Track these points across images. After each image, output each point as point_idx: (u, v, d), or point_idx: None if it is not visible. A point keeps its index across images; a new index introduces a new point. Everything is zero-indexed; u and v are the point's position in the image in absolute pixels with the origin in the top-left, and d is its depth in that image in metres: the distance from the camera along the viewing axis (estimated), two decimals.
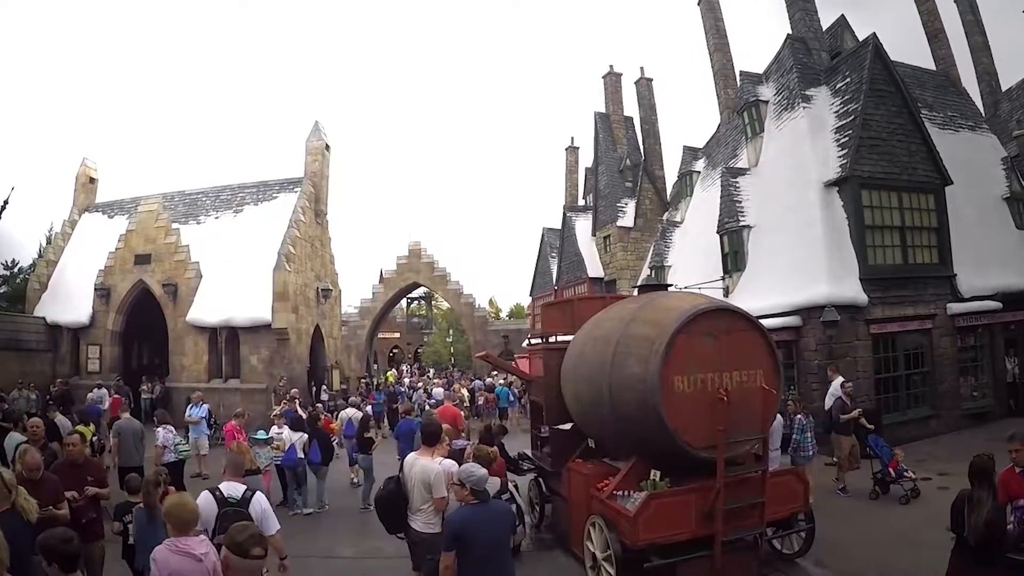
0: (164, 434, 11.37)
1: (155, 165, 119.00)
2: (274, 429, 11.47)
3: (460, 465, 5.85)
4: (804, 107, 17.61)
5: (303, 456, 11.11)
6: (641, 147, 30.41)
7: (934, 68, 21.76)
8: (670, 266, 23.21)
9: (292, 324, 21.07)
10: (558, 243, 33.92)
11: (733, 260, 18.14)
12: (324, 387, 23.40)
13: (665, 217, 26.11)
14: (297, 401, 16.25)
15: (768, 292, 16.02)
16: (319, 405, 19.58)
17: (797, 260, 15.73)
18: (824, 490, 10.64)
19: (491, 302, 41.31)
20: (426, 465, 5.90)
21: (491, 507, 4.99)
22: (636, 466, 7.04)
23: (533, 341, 34.72)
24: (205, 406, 15.14)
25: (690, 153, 25.91)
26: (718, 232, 18.70)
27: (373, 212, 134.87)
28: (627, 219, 28.14)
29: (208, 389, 20.30)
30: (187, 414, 14.88)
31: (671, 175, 30.03)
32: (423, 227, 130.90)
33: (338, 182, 68.49)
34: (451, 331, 50.17)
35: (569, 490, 8.07)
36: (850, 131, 16.00)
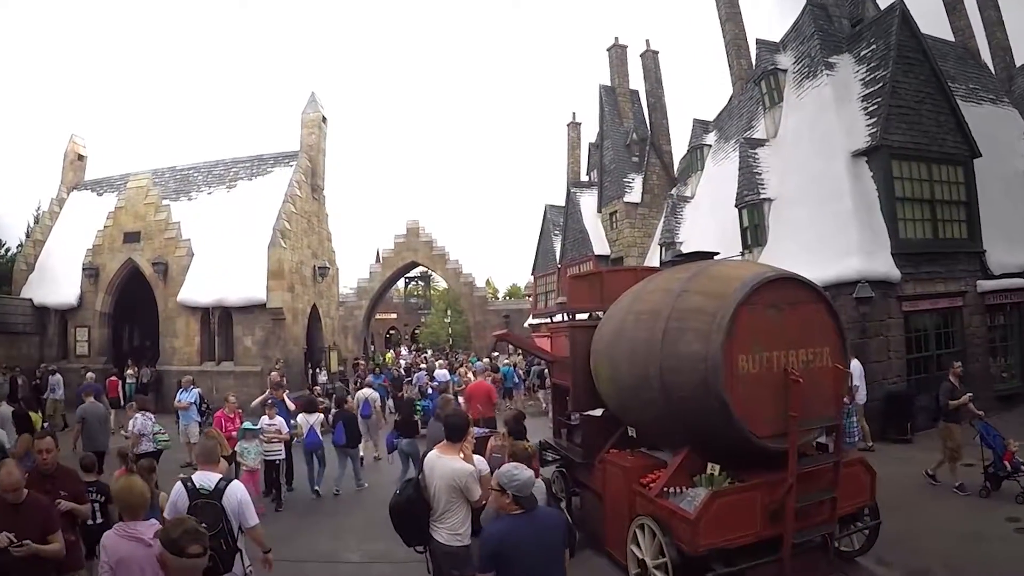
0: (142, 421, 10.48)
1: (147, 141, 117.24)
2: (264, 420, 10.44)
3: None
4: (828, 74, 16.75)
5: (320, 438, 11.07)
6: (647, 121, 29.33)
7: (952, 40, 21.05)
8: (681, 242, 22.37)
9: (288, 303, 20.06)
10: (561, 220, 32.90)
11: (753, 234, 17.28)
12: (320, 369, 22.40)
13: (674, 192, 25.13)
14: (284, 391, 15.62)
15: (792, 267, 14.94)
16: (316, 388, 18.79)
17: (824, 233, 14.84)
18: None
19: (488, 283, 40.38)
20: (453, 465, 4.93)
21: (539, 517, 4.02)
22: (688, 458, 6.10)
23: (534, 321, 34.27)
24: (195, 391, 14.22)
25: (700, 126, 25.04)
26: (737, 206, 17.84)
27: (370, 191, 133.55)
28: (634, 195, 27.14)
29: (200, 372, 19.37)
30: (176, 399, 14.10)
31: (678, 150, 29.23)
32: (421, 206, 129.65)
33: (335, 158, 67.45)
34: (449, 311, 49.27)
35: (604, 485, 7.10)
36: (879, 99, 15.16)
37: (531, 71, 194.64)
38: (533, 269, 35.48)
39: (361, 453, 12.38)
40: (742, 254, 17.37)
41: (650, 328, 6.15)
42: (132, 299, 22.59)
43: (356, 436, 11.49)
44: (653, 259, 25.20)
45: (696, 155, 24.54)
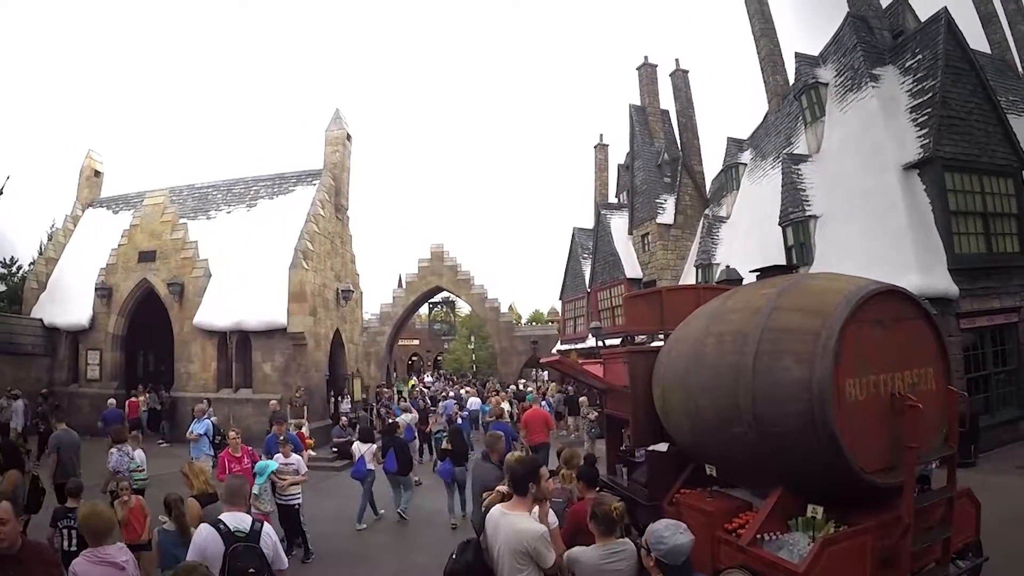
0: (117, 457, 9.65)
1: (167, 159, 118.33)
2: (279, 459, 9.44)
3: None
4: (873, 86, 16.33)
5: (372, 468, 11.10)
6: (678, 141, 28.77)
7: (989, 52, 20.82)
8: (718, 264, 21.84)
9: (309, 328, 19.42)
10: (590, 243, 32.31)
11: (799, 253, 16.75)
12: (343, 397, 21.69)
13: (710, 212, 24.51)
14: (284, 424, 15.36)
15: None
16: (344, 419, 18.10)
17: (878, 250, 14.19)
18: None
19: (511, 308, 39.73)
20: (519, 526, 4.18)
21: None
22: (782, 500, 5.32)
23: (563, 347, 33.56)
24: (207, 421, 13.45)
25: (735, 145, 24.52)
26: (781, 224, 17.31)
27: (393, 213, 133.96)
28: (667, 216, 26.46)
29: (217, 399, 18.78)
30: (189, 430, 13.36)
31: (709, 170, 28.73)
32: (445, 230, 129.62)
33: (358, 179, 67.25)
34: (472, 337, 48.67)
35: None
36: (929, 109, 14.75)
37: (558, 92, 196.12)
38: (561, 294, 34.78)
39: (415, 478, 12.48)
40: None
41: (736, 352, 5.43)
42: (147, 321, 21.94)
43: (408, 463, 11.38)
44: (687, 282, 24.57)
45: (731, 174, 24.13)
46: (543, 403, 20.41)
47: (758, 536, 5.17)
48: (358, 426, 14.89)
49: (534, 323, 54.85)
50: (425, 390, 31.69)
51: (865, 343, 5.08)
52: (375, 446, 11.54)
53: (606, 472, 8.62)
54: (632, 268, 27.35)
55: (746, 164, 23.64)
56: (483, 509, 5.11)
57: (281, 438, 9.97)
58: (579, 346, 30.80)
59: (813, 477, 5.13)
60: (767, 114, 23.30)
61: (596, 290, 29.70)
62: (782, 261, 16.90)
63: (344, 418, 18.43)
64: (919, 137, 14.64)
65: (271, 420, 14.90)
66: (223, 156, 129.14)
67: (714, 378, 5.69)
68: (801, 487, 5.29)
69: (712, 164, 28.82)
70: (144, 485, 9.65)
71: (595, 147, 37.18)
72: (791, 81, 22.15)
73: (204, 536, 4.41)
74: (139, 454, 10.05)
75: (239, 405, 18.98)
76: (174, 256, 20.78)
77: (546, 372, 36.68)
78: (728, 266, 12.32)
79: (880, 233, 14.33)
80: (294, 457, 9.42)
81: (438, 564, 8.45)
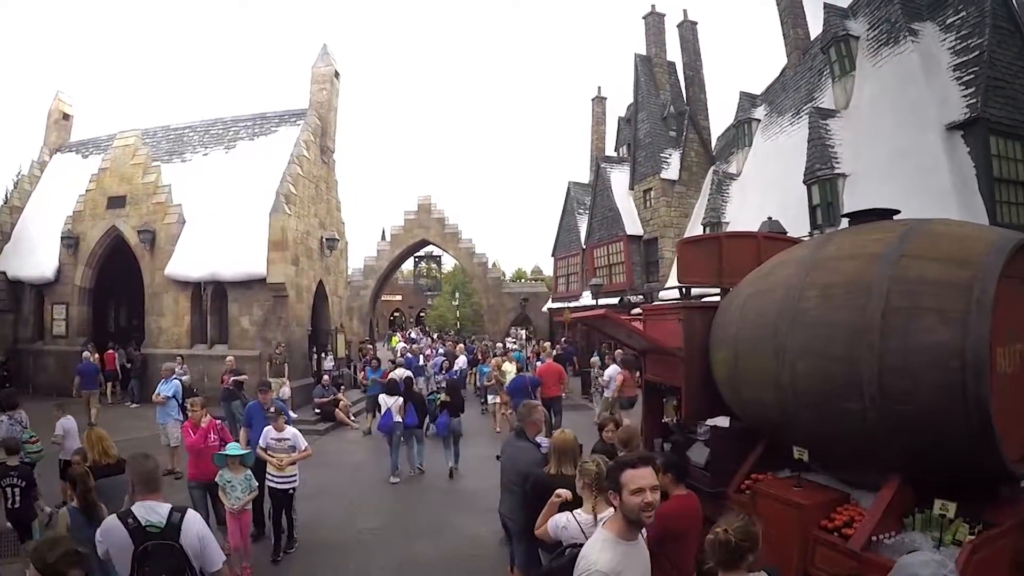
0: (7, 426, 8.52)
1: (142, 100, 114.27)
2: (269, 434, 7.81)
3: None
4: (912, 41, 15.58)
5: (400, 420, 11.17)
6: (684, 95, 27.63)
7: None
8: (728, 222, 21.11)
9: (291, 278, 18.20)
10: (586, 199, 31.36)
11: (825, 213, 15.92)
12: (326, 354, 20.62)
13: (719, 169, 23.51)
14: (285, 383, 15.44)
15: None
16: (326, 377, 17.10)
17: (916, 212, 12.98)
18: None
19: (494, 266, 38.76)
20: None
21: None
22: (900, 492, 4.41)
23: (554, 305, 32.65)
24: (175, 381, 12.34)
25: (747, 99, 23.66)
26: (806, 182, 16.49)
27: (379, 164, 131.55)
28: (671, 171, 25.50)
29: (191, 356, 17.66)
30: (155, 391, 12.22)
31: (716, 127, 27.77)
32: (433, 182, 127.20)
33: (344, 125, 65.26)
34: (457, 294, 47.70)
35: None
36: (975, 68, 14.13)
37: (556, 40, 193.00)
38: (554, 250, 33.90)
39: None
40: (811, 235, 15.76)
41: (856, 308, 4.46)
42: (118, 273, 20.63)
43: (425, 415, 12.14)
44: None
45: (743, 130, 23.33)
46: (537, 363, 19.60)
47: (872, 538, 4.27)
48: (341, 385, 15.25)
49: (520, 280, 53.92)
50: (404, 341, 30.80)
51: (1014, 304, 4.15)
52: (400, 399, 11.42)
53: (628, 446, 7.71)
54: (632, 225, 26.48)
55: (759, 120, 22.75)
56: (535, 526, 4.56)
57: (271, 410, 8.55)
58: (572, 304, 30.00)
59: (946, 465, 4.23)
60: (785, 68, 22.40)
61: (592, 247, 28.85)
62: (804, 221, 16.13)
63: (327, 376, 17.37)
64: (964, 97, 14.01)
65: (230, 381, 14.00)
66: (204, 97, 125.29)
67: (818, 340, 4.73)
68: (924, 477, 4.38)
69: (718, 120, 27.92)
70: (38, 458, 8.46)
71: (593, 100, 35.88)
72: (812, 35, 21.39)
73: (107, 531, 3.64)
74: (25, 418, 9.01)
75: (214, 362, 17.65)
76: (146, 201, 19.40)
77: (523, 331, 35.91)
78: (771, 217, 11.48)
79: (920, 194, 13.42)
80: (289, 431, 7.88)
81: (440, 555, 7.71)
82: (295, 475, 7.84)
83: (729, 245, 7.38)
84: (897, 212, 5.82)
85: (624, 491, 2.86)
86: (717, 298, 7.04)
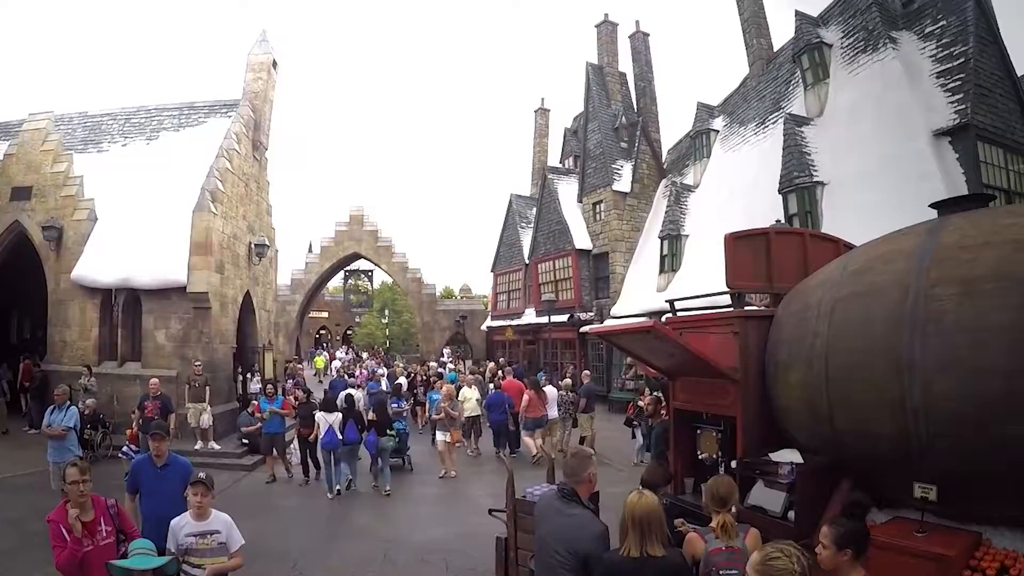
0: None
1: (61, 86, 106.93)
2: (185, 528, 4.79)
3: None
4: (893, 48, 15.33)
5: (341, 437, 11.18)
6: (635, 106, 26.92)
7: None
8: (687, 235, 20.30)
9: (215, 288, 16.16)
10: (529, 212, 30.35)
11: (803, 222, 15.30)
12: (252, 375, 18.49)
13: (677, 180, 22.78)
14: (206, 410, 14.18)
15: None
16: (254, 402, 14.96)
17: (906, 221, 12.54)
18: None
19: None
20: None
21: None
22: None
23: (494, 323, 31.27)
24: (73, 410, 10.43)
25: (705, 110, 23.12)
26: (782, 190, 15.95)
27: (309, 174, 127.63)
28: (623, 183, 24.69)
29: (98, 374, 15.39)
30: (45, 421, 10.16)
31: (667, 139, 27.07)
32: (367, 195, 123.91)
33: (278, 124, 62.33)
34: (387, 311, 45.74)
35: None
36: (961, 75, 13.94)
37: (495, 52, 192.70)
38: (493, 265, 32.58)
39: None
40: None
41: (1018, 307, 3.59)
42: (21, 276, 18.07)
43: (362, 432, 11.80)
44: (644, 255, 23.31)
45: (700, 141, 22.73)
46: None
47: None
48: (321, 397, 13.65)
49: (447, 299, 52.44)
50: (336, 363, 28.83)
51: None
52: (339, 416, 11.37)
53: (671, 489, 6.39)
54: (581, 238, 25.42)
55: (718, 131, 22.20)
56: None
57: (188, 495, 4.90)
58: (515, 322, 28.72)
59: None
60: (746, 78, 22.03)
61: (537, 261, 27.72)
62: None
63: (255, 401, 15.33)
64: (951, 103, 13.74)
65: (156, 410, 12.03)
66: (130, 83, 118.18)
67: (964, 350, 3.77)
68: None
69: (668, 132, 27.27)
70: None
71: (536, 111, 35.15)
72: (775, 45, 20.97)
73: None
74: None
75: (125, 383, 15.53)
76: (54, 194, 17.02)
77: (447, 349, 34.52)
78: (779, 220, 10.57)
79: (910, 202, 12.65)
80: (217, 519, 4.85)
81: None
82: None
83: (778, 243, 6.39)
84: (993, 198, 4.87)
85: None
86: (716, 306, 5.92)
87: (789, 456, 5.31)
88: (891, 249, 4.74)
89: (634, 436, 13.64)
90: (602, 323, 23.00)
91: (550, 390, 15.16)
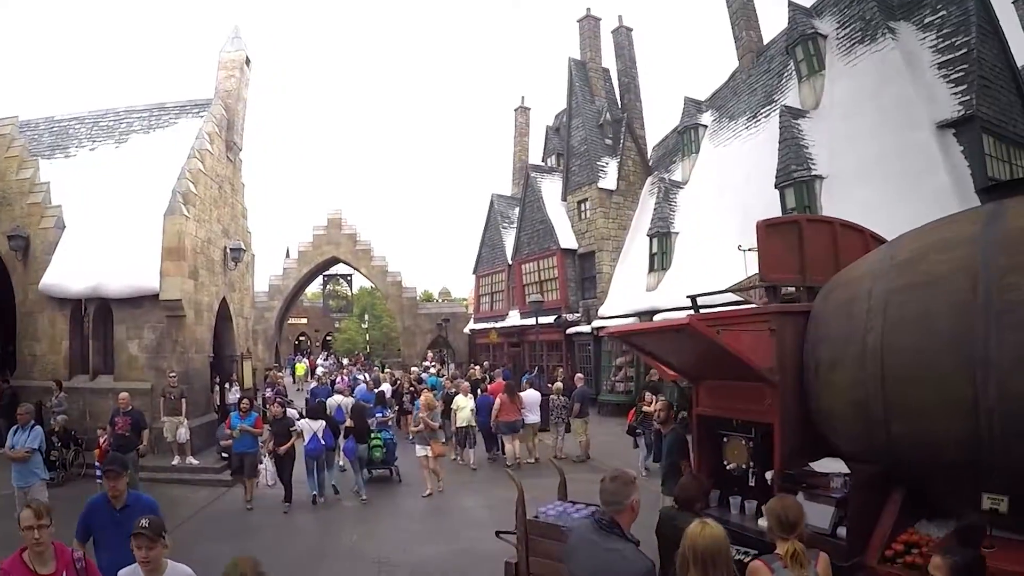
0: None
1: (28, 91, 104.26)
2: None
3: None
4: (892, 39, 15.07)
5: (323, 444, 11.38)
6: (619, 102, 26.47)
7: None
8: (677, 232, 19.96)
9: (189, 295, 15.41)
10: (511, 212, 29.90)
11: None
12: (231, 384, 17.68)
13: (666, 176, 22.37)
14: (182, 423, 13.62)
15: None
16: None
17: (912, 214, 12.21)
18: None
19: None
20: None
21: None
22: None
23: (476, 326, 30.68)
24: (38, 430, 9.60)
25: (692, 105, 22.76)
26: (779, 185, 15.56)
27: (286, 178, 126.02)
28: (608, 180, 24.18)
29: (69, 389, 14.67)
30: (8, 443, 9.33)
31: (651, 136, 26.75)
32: (345, 199, 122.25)
33: (252, 125, 61.11)
34: (366, 316, 44.92)
35: None
36: (964, 66, 13.69)
37: (475, 50, 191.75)
38: (475, 267, 31.98)
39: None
40: None
41: None
42: None
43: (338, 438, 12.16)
44: (631, 253, 22.96)
45: (688, 136, 22.40)
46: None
47: None
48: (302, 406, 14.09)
49: (427, 302, 51.87)
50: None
51: None
52: (323, 423, 11.54)
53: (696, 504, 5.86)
54: (566, 238, 24.84)
55: (706, 126, 21.85)
56: None
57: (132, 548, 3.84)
58: (499, 324, 28.14)
59: None
60: (735, 72, 21.78)
61: (521, 262, 27.11)
62: None
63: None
64: (955, 94, 13.50)
65: (126, 427, 11.39)
66: (101, 87, 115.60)
67: None
68: None
69: (653, 129, 26.85)
70: None
71: (516, 110, 34.66)
72: (765, 38, 20.69)
73: None
74: None
75: (98, 397, 14.73)
76: (19, 202, 16.19)
77: (429, 353, 33.92)
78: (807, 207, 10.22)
79: (914, 196, 12.57)
80: (173, 573, 3.96)
81: None
82: None
83: (810, 231, 6.08)
84: None
85: None
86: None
87: (830, 465, 4.88)
88: (945, 237, 4.35)
89: (636, 445, 13.10)
90: (589, 324, 22.56)
91: (531, 394, 14.84)
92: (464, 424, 14.17)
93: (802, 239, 5.70)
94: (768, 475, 5.22)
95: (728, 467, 5.73)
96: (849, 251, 5.83)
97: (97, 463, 10.77)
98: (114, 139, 18.23)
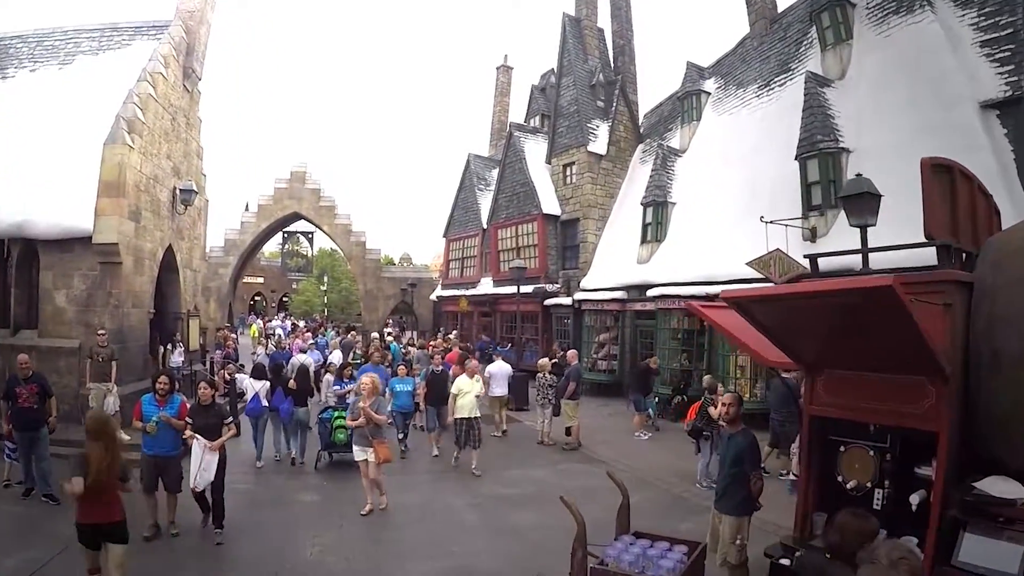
0: None
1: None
2: None
3: None
4: (931, 11, 14.15)
5: (267, 405, 11.27)
6: (612, 65, 25.00)
7: None
8: (674, 202, 18.90)
9: (127, 238, 13.48)
10: (488, 173, 28.60)
11: (825, 191, 14.08)
12: (174, 345, 15.90)
13: (663, 143, 21.09)
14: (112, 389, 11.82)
15: (896, 237, 11.79)
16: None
17: None
18: None
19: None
20: None
21: None
22: None
23: (444, 292, 29.17)
24: None
25: (695, 70, 21.44)
26: (800, 155, 14.52)
27: (249, 131, 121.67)
28: (599, 144, 22.76)
29: None
30: None
31: (643, 103, 25.52)
32: (311, 154, 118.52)
33: (214, 60, 57.54)
34: (326, 277, 43.08)
35: None
36: (1011, 45, 12.71)
37: (454, 10, 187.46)
38: (447, 230, 30.36)
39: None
40: (805, 218, 13.84)
41: None
42: None
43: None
44: (618, 223, 21.80)
45: (689, 103, 21.13)
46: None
47: None
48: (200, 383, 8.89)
49: (391, 266, 50.27)
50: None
51: None
52: (267, 383, 11.43)
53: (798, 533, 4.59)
54: (549, 203, 23.44)
55: (709, 93, 20.57)
56: None
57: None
58: (470, 292, 26.64)
59: None
60: (746, 38, 20.61)
61: (497, 226, 25.60)
62: (786, 200, 14.44)
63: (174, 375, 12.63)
64: (1000, 74, 12.62)
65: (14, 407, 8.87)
66: (54, 10, 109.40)
67: None
68: None
69: (644, 95, 25.41)
70: None
71: (498, 68, 33.35)
72: (779, 6, 19.90)
73: None
74: None
75: (17, 355, 12.76)
76: None
77: (391, 320, 32.38)
78: (859, 175, 8.96)
79: None
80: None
81: None
82: None
83: (961, 183, 4.94)
84: None
85: None
86: None
87: (1000, 486, 3.64)
88: None
89: (699, 450, 10.47)
90: (570, 295, 21.28)
91: (500, 366, 14.07)
92: (466, 415, 11.00)
93: (955, 192, 4.57)
94: (914, 499, 4.01)
95: (847, 485, 4.53)
96: (982, 212, 5.10)
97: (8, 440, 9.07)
98: (59, 60, 16.21)
